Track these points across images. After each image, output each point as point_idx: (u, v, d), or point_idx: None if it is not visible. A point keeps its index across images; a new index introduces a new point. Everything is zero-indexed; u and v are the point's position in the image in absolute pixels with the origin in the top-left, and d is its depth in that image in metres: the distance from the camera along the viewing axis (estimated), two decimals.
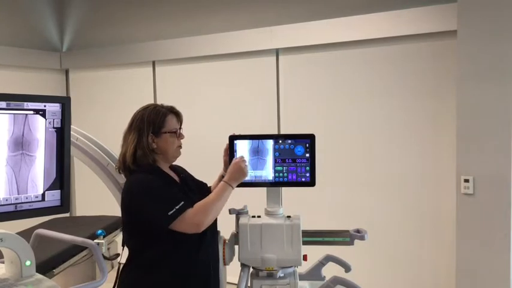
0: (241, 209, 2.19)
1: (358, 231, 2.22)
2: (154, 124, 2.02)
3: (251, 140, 2.14)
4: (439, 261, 3.64)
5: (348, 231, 2.23)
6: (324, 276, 2.28)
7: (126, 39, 4.98)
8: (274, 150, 2.13)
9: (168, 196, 1.92)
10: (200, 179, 2.27)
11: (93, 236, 2.74)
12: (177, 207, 1.87)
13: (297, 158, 2.12)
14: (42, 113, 1.70)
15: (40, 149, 1.71)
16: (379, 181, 3.85)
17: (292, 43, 4.08)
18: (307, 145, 2.11)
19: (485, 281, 3.06)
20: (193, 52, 4.52)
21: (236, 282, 2.09)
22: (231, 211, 2.17)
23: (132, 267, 2.03)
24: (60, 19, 5.40)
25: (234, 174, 2.03)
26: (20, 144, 1.65)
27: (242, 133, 2.17)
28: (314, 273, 2.29)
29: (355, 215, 3.85)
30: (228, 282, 2.26)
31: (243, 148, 2.13)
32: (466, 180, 3.08)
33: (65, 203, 1.79)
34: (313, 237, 2.22)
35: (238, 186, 2.08)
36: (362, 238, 2.19)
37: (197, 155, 3.61)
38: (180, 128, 2.11)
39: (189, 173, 2.24)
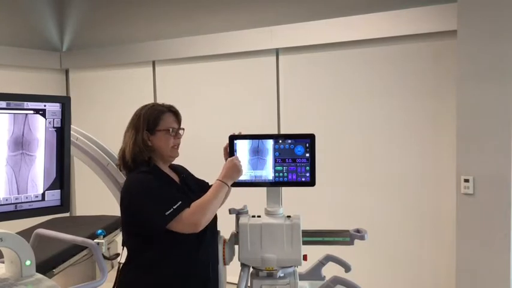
0: (241, 209, 2.19)
1: (358, 231, 2.22)
2: (149, 122, 2.03)
3: (251, 140, 2.13)
4: (439, 261, 3.63)
5: (347, 231, 2.23)
6: (324, 276, 2.27)
7: (126, 39, 4.98)
8: (274, 150, 2.12)
9: (166, 196, 1.91)
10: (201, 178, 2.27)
11: (93, 236, 2.74)
12: (174, 207, 1.87)
13: (297, 158, 2.12)
14: (42, 112, 1.69)
15: (40, 148, 1.70)
16: (379, 181, 3.85)
17: (292, 43, 4.08)
18: (307, 145, 2.11)
19: (485, 281, 3.06)
20: (193, 52, 4.52)
21: (236, 282, 2.09)
22: (231, 211, 2.17)
23: (132, 267, 2.02)
24: (60, 19, 5.39)
25: (229, 171, 2.03)
26: (20, 144, 1.65)
27: (242, 133, 2.17)
28: (314, 273, 2.29)
29: (355, 215, 3.85)
30: (228, 282, 2.25)
31: (243, 148, 2.13)
32: (466, 180, 3.08)
33: (65, 203, 1.79)
34: (313, 237, 2.22)
35: (239, 186, 2.08)
36: (362, 238, 2.19)
37: (197, 155, 3.60)
38: (178, 128, 2.11)
39: (190, 173, 2.24)
